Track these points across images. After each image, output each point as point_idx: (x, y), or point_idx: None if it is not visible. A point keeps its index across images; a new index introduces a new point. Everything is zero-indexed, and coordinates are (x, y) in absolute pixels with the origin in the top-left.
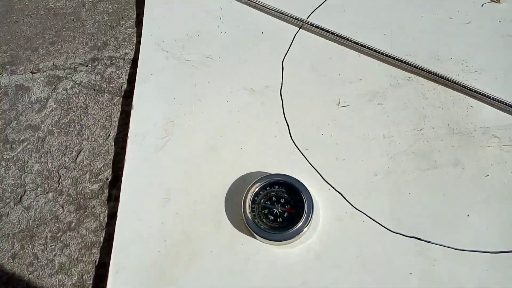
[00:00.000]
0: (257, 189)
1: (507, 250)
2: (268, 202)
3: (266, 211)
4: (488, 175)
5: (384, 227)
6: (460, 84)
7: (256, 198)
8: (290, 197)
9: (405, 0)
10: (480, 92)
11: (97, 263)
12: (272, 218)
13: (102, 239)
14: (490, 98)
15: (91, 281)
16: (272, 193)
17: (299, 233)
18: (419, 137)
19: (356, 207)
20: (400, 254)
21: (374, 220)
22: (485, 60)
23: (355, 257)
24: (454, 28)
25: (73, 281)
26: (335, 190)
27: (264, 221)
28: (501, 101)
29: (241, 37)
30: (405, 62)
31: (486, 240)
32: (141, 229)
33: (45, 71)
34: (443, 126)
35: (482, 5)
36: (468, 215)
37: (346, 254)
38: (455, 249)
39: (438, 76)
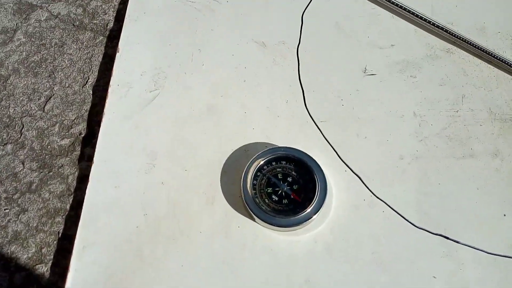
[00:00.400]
0: (261, 162)
1: None
2: (273, 179)
3: (270, 189)
4: None
5: (407, 220)
6: (508, 62)
7: (259, 173)
8: (299, 176)
9: None
10: None
11: (60, 234)
12: (277, 198)
13: (68, 206)
14: None
15: (52, 256)
16: (278, 170)
17: (308, 219)
18: (455, 120)
19: (376, 195)
20: (424, 254)
21: (396, 211)
22: None
23: (371, 253)
24: None
25: (29, 255)
26: (353, 172)
27: (267, 201)
28: None
29: None
30: (446, 31)
31: None
32: (118, 198)
33: None
34: (484, 109)
35: None
36: (504, 215)
37: (361, 248)
38: (487, 252)
39: (482, 50)
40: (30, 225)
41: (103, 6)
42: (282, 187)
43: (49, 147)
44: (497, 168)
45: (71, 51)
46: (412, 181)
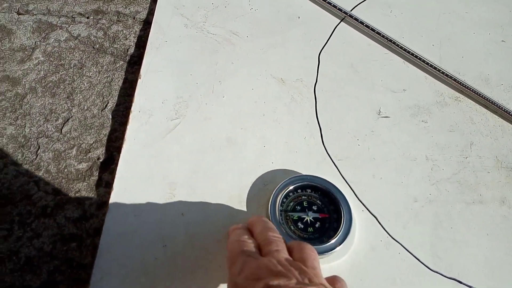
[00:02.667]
0: (290, 187)
1: None
2: (299, 207)
3: (296, 216)
4: None
5: (423, 263)
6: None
7: (285, 200)
8: (324, 205)
9: (456, 13)
10: None
11: (75, 263)
12: (302, 226)
13: (85, 234)
14: None
15: (65, 286)
16: (303, 197)
17: (331, 250)
18: (465, 166)
19: (392, 236)
20: None
21: (411, 253)
22: None
23: None
24: (507, 52)
25: (39, 284)
26: (370, 212)
27: (292, 228)
28: None
29: (273, 18)
30: (454, 79)
31: None
32: (137, 228)
33: (35, 14)
34: (491, 157)
35: None
36: None
37: None
38: None
39: (488, 100)
40: (44, 250)
41: (124, 31)
42: (309, 214)
43: (65, 170)
44: (505, 215)
45: (90, 73)
46: (426, 224)
